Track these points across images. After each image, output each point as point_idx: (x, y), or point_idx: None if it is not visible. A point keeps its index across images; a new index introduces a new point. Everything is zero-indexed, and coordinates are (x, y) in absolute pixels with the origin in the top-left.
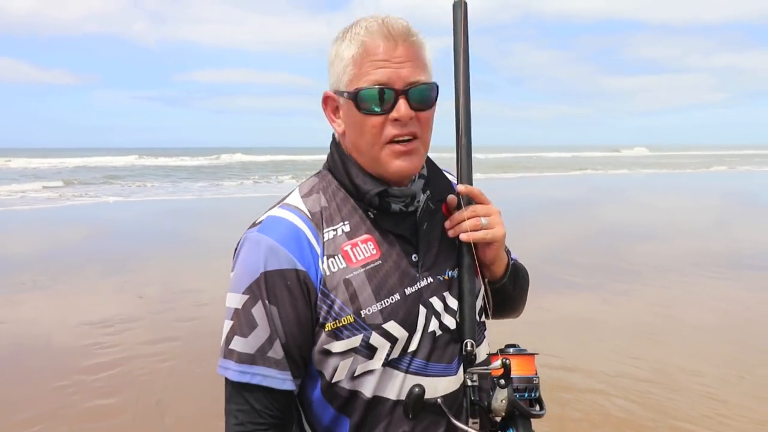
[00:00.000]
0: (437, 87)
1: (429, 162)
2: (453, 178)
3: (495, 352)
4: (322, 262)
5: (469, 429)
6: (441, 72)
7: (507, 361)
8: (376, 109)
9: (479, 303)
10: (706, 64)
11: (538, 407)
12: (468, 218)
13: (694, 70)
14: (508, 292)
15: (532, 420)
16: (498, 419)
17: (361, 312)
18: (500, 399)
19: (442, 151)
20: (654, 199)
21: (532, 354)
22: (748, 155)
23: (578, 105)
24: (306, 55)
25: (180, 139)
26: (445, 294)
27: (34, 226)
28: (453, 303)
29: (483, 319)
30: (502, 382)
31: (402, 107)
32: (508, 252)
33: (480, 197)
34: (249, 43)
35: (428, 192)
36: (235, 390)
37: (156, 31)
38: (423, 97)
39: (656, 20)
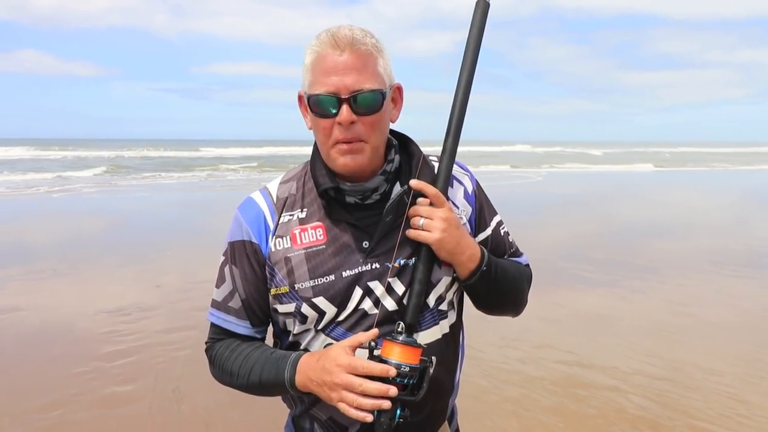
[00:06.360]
0: (383, 93)
1: (413, 159)
2: (464, 176)
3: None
4: (272, 240)
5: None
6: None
7: (373, 344)
8: (324, 114)
9: (441, 293)
10: (727, 60)
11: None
12: (411, 216)
13: (715, 66)
14: (480, 292)
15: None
16: None
17: (295, 285)
18: None
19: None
20: (673, 196)
21: (418, 347)
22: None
23: (596, 100)
24: None
25: (198, 131)
26: (390, 279)
27: (53, 215)
28: (399, 288)
29: (443, 308)
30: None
31: (344, 112)
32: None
33: (434, 198)
34: (268, 37)
35: (405, 186)
36: (210, 327)
37: (177, 24)
38: (367, 104)
39: (676, 15)
